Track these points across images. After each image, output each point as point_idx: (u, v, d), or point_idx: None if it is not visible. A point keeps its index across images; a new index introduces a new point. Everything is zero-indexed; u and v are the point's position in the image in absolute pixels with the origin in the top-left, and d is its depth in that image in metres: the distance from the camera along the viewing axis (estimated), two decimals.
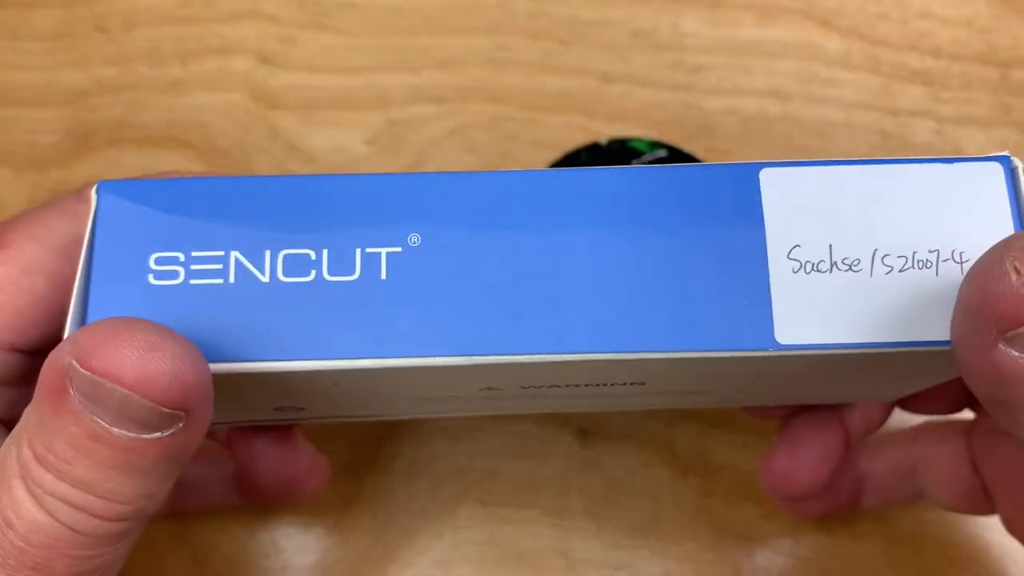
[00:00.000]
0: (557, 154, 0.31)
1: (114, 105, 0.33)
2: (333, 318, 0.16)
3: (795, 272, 0.17)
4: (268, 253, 0.17)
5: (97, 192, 0.17)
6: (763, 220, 0.17)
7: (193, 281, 0.17)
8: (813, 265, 0.17)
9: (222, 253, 0.17)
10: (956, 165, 0.17)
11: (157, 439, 0.15)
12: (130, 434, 0.15)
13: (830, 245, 0.17)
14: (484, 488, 0.29)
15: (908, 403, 0.25)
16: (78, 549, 0.16)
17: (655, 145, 0.30)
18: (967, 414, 0.25)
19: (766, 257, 0.17)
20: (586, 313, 0.16)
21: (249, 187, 0.17)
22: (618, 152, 0.30)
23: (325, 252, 0.17)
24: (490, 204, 0.17)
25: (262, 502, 0.28)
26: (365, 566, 0.28)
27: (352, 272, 0.17)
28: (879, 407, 0.24)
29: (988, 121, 0.32)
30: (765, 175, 0.17)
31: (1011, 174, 0.17)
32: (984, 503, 0.24)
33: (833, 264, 0.17)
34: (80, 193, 0.20)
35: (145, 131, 0.32)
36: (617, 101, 0.32)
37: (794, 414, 0.25)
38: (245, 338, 0.16)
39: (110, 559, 0.16)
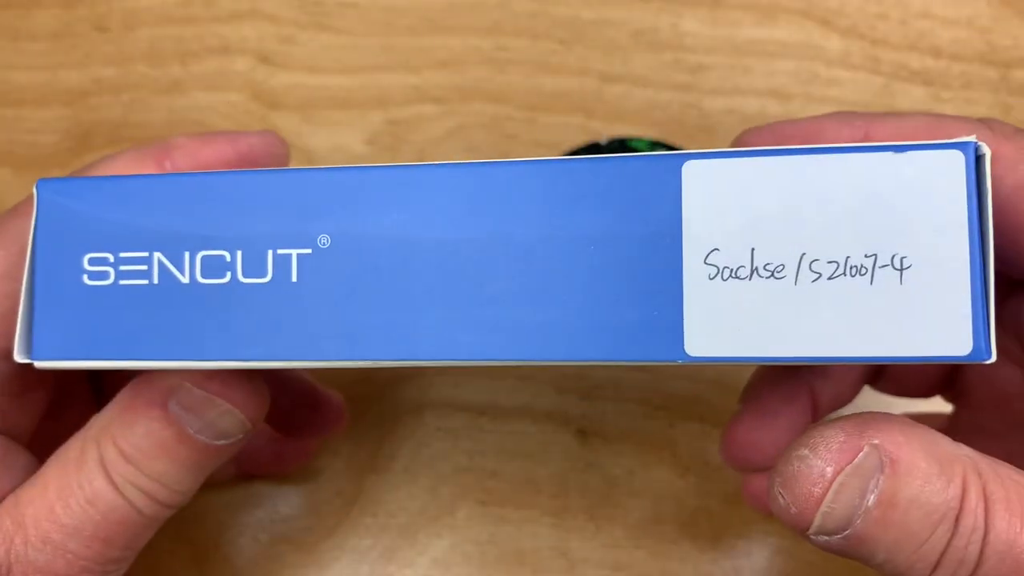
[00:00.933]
0: (557, 154, 0.31)
1: (114, 105, 0.33)
2: (247, 321, 0.17)
3: (711, 279, 0.15)
4: (187, 254, 0.17)
5: (36, 190, 0.17)
6: (681, 220, 0.16)
7: (122, 282, 0.17)
8: (732, 271, 0.15)
9: (146, 254, 0.17)
10: (907, 155, 0.15)
11: (226, 444, 0.19)
12: (216, 441, 0.19)
13: (752, 249, 0.15)
14: (484, 488, 0.29)
15: (881, 384, 0.25)
16: (140, 529, 0.19)
17: (655, 145, 0.31)
18: (946, 407, 0.25)
19: (681, 262, 0.16)
20: (490, 316, 0.16)
21: (171, 185, 0.17)
22: (618, 152, 0.30)
23: (239, 254, 0.17)
24: (399, 201, 0.16)
25: (276, 460, 0.28)
26: (364, 566, 0.28)
27: (264, 274, 0.17)
28: (848, 384, 0.24)
29: None
30: (688, 168, 0.16)
31: (975, 164, 0.15)
32: None
33: (754, 270, 0.15)
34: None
35: (145, 131, 0.32)
36: (617, 101, 0.32)
37: (761, 383, 0.24)
38: (168, 339, 0.17)
39: (144, 541, 0.20)
